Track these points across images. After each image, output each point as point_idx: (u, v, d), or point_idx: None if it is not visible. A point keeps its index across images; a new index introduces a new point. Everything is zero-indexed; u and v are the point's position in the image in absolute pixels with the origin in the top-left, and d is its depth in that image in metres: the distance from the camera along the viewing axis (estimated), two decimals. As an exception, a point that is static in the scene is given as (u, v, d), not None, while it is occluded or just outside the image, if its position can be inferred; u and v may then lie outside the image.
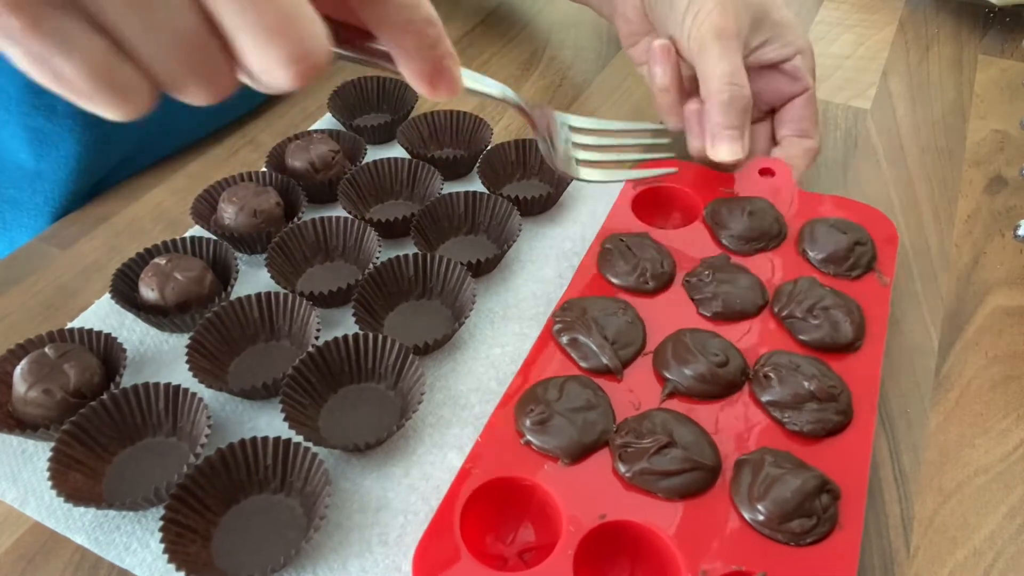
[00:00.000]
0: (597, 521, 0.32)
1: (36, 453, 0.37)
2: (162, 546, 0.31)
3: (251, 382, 0.38)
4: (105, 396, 0.36)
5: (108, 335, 0.39)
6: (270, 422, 0.38)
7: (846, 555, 0.31)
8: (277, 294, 0.41)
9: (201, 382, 0.38)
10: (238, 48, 0.21)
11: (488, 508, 0.33)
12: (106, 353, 0.39)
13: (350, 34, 0.26)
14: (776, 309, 0.42)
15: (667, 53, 0.49)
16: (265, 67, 0.21)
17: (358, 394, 0.39)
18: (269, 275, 0.43)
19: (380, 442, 0.36)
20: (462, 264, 0.43)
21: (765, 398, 0.37)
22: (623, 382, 0.38)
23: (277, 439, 0.35)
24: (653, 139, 0.50)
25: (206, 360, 0.39)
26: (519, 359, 0.41)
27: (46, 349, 0.37)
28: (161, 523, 0.31)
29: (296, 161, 0.50)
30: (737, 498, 0.33)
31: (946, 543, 0.35)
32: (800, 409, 0.36)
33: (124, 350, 0.39)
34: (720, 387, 0.37)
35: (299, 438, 0.35)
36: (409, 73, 0.26)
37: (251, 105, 0.62)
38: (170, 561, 0.30)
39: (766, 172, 0.50)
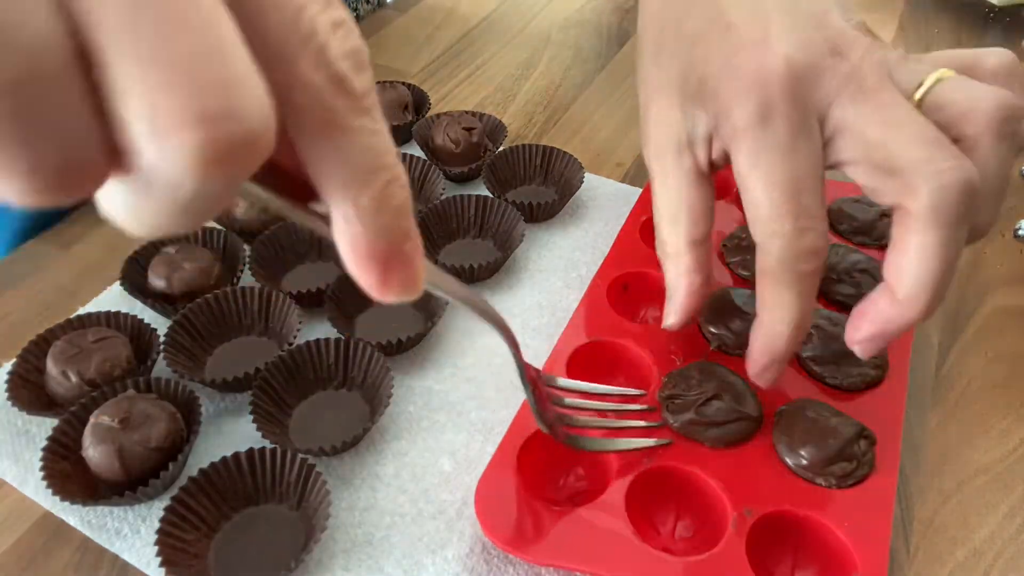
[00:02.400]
0: (644, 466, 0.34)
1: (39, 433, 0.37)
2: (159, 559, 0.31)
3: (223, 375, 0.38)
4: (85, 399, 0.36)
5: (150, 326, 0.40)
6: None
7: (884, 495, 0.33)
8: (269, 291, 0.42)
9: (175, 371, 0.38)
10: (113, 82, 0.13)
11: (541, 454, 0.35)
12: (140, 341, 0.40)
13: (274, 175, 0.18)
14: None
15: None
16: (153, 122, 0.13)
17: (326, 400, 0.39)
18: (250, 272, 0.43)
19: (348, 445, 0.36)
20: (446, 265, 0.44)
21: (805, 354, 0.39)
22: (665, 339, 0.40)
23: (273, 450, 0.34)
24: (641, 407, 0.37)
25: (183, 354, 0.40)
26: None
27: (89, 331, 0.38)
28: (156, 536, 0.31)
29: None
30: (780, 446, 0.34)
31: (946, 543, 0.35)
32: (839, 364, 0.38)
33: (158, 335, 0.39)
34: None
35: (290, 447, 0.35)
36: (351, 247, 0.18)
37: None
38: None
39: None
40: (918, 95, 0.30)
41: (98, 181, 0.14)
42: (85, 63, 0.13)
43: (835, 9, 0.32)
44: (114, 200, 0.14)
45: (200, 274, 0.42)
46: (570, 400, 0.36)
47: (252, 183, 0.17)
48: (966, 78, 0.31)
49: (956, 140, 0.29)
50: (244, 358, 0.40)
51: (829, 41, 0.31)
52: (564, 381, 0.37)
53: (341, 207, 0.17)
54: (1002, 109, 0.29)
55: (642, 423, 0.36)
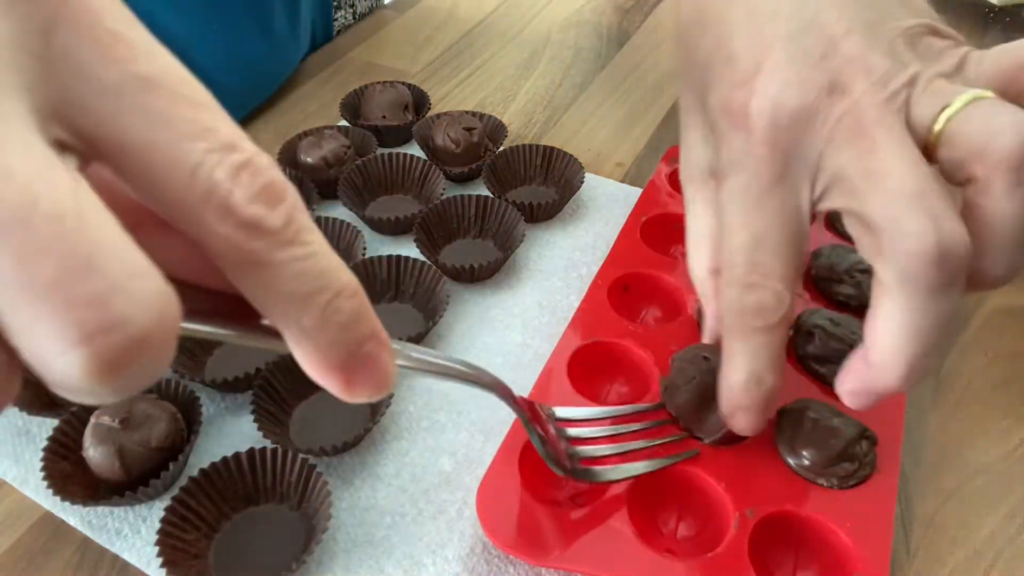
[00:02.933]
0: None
1: (39, 433, 0.37)
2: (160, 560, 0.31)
3: (223, 375, 0.38)
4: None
5: None
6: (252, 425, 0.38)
7: (885, 496, 0.33)
8: None
9: (176, 371, 0.38)
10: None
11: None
12: None
13: (220, 303, 0.18)
14: (813, 272, 0.44)
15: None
16: (36, 353, 0.13)
17: (327, 400, 0.39)
18: None
19: (349, 445, 0.36)
20: (433, 265, 0.44)
21: (806, 353, 0.38)
22: (667, 340, 0.39)
23: (274, 450, 0.34)
24: (658, 420, 0.37)
25: (183, 354, 0.39)
26: (520, 367, 0.41)
27: None
28: (157, 536, 0.31)
29: (308, 157, 0.50)
30: (781, 446, 0.34)
31: (946, 543, 0.35)
32: (840, 364, 0.37)
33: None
34: None
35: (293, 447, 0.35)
36: (307, 363, 0.18)
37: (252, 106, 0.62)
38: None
39: None
40: (938, 125, 0.26)
41: (12, 392, 0.14)
42: None
43: (860, 30, 0.28)
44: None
45: None
46: (579, 431, 0.34)
47: (193, 320, 0.17)
48: (996, 101, 0.26)
49: (967, 182, 0.26)
50: (244, 358, 0.40)
51: (830, 75, 0.27)
52: (569, 411, 0.35)
53: (285, 330, 0.17)
54: (1022, 147, 0.24)
55: (663, 439, 0.35)
